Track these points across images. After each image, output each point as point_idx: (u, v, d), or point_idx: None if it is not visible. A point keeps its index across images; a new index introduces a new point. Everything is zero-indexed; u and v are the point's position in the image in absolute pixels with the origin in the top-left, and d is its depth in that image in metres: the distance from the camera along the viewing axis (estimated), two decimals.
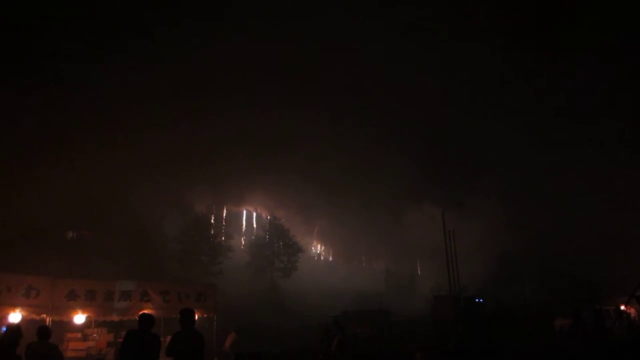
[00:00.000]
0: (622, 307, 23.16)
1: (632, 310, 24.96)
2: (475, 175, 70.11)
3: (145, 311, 10.76)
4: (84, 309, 12.96)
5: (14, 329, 6.77)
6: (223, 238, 56.04)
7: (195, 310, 14.26)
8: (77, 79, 49.57)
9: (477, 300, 28.18)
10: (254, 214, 77.99)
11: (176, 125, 59.48)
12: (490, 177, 64.91)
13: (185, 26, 69.76)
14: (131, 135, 51.81)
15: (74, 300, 12.84)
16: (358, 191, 75.25)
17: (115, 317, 13.85)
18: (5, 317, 11.45)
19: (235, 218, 74.27)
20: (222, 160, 63.00)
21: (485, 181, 64.00)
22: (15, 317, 11.41)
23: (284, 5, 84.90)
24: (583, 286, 38.35)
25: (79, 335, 14.47)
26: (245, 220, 77.18)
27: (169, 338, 7.18)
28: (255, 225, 75.14)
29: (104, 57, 55.45)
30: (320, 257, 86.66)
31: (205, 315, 15.33)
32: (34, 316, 11.96)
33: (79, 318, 12.99)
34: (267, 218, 67.07)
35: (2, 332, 8.55)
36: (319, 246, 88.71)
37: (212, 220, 60.14)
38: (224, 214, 69.72)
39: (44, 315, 12.15)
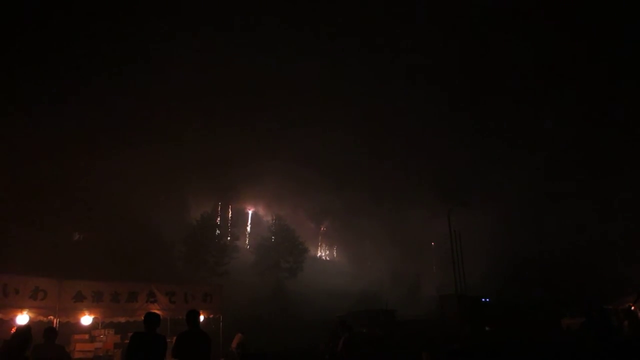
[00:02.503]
0: (631, 307, 22.94)
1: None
2: (481, 175, 69.90)
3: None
4: (91, 310, 12.99)
5: (24, 330, 6.70)
6: (229, 239, 56.12)
7: (202, 311, 14.47)
8: (83, 83, 49.77)
9: (483, 299, 28.20)
10: (260, 214, 78.08)
11: (183, 126, 59.52)
12: (495, 177, 64.76)
13: (183, 35, 69.48)
14: (138, 135, 51.89)
15: (80, 301, 12.85)
16: (364, 191, 75.10)
17: (122, 318, 13.93)
18: (12, 319, 11.48)
19: (240, 219, 74.32)
20: (228, 161, 63.04)
21: (491, 181, 63.86)
22: (22, 319, 11.44)
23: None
24: (591, 286, 38.13)
25: (86, 336, 14.51)
26: (251, 221, 77.28)
27: (175, 339, 7.18)
28: (260, 226, 75.19)
29: (108, 61, 55.53)
30: (326, 258, 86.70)
31: (211, 316, 15.38)
32: (41, 318, 11.97)
33: (86, 319, 13.00)
34: (272, 219, 67.08)
35: (10, 333, 8.55)
36: (325, 246, 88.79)
37: (218, 221, 60.27)
38: (230, 215, 69.82)
39: (51, 317, 12.16)
